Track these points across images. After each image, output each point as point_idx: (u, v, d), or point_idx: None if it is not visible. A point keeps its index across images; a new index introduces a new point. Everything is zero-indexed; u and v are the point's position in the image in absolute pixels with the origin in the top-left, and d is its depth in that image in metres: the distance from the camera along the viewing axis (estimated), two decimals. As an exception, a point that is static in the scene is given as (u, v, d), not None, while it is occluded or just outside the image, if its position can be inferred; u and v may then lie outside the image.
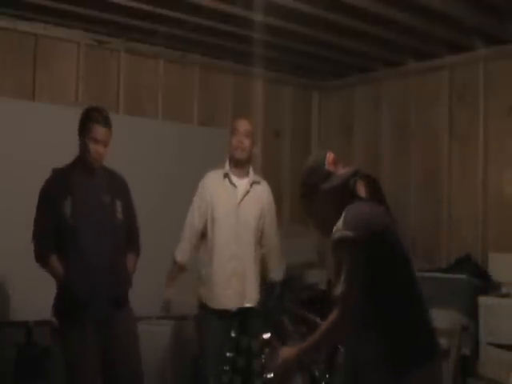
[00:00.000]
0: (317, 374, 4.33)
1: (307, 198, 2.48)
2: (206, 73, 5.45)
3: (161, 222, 4.67)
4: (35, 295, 4.29)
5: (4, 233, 4.22)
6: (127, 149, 4.58)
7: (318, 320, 4.33)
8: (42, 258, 3.36)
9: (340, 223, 2.28)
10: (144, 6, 4.18)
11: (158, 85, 5.17)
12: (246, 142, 3.79)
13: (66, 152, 4.47)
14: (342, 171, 2.51)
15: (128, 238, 3.55)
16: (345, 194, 2.43)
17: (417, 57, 5.30)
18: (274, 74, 5.80)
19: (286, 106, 6.03)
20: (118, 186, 3.55)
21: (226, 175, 3.80)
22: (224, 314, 3.67)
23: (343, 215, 2.31)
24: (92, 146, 3.41)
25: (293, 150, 6.05)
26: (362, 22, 4.39)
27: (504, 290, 4.42)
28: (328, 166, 2.48)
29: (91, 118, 3.42)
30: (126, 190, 3.60)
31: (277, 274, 3.93)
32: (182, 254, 3.82)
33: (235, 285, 3.73)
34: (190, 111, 5.36)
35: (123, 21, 4.49)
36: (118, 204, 3.47)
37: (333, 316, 2.23)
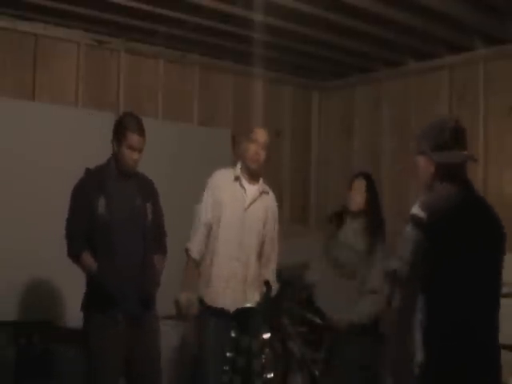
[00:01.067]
0: (317, 373, 4.34)
1: (417, 156, 2.32)
2: (206, 73, 5.45)
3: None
4: (36, 295, 4.31)
5: (4, 232, 4.22)
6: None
7: (317, 320, 4.34)
8: (74, 254, 3.44)
9: (421, 199, 2.20)
10: (144, 6, 4.18)
11: (158, 85, 5.17)
12: (263, 155, 3.79)
13: (65, 152, 4.50)
14: (461, 151, 2.28)
15: (156, 238, 3.63)
16: (450, 174, 2.25)
17: (417, 57, 5.30)
18: (273, 73, 5.80)
19: (286, 106, 6.03)
20: (147, 189, 3.64)
21: (238, 178, 3.81)
22: (223, 313, 3.67)
23: (429, 193, 2.22)
24: (128, 154, 3.46)
25: (293, 150, 6.05)
26: (362, 22, 4.39)
27: (504, 290, 4.41)
28: (448, 137, 2.26)
29: (127, 127, 3.47)
30: (155, 192, 3.69)
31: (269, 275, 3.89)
32: (199, 251, 3.77)
33: (234, 286, 3.72)
34: (190, 111, 5.36)
35: (123, 21, 4.49)
36: (148, 206, 3.56)
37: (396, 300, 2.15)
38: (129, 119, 3.51)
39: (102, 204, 3.42)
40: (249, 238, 3.76)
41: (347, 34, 4.69)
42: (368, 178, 4.07)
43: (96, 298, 3.42)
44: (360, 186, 4.01)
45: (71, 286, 4.47)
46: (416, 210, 2.16)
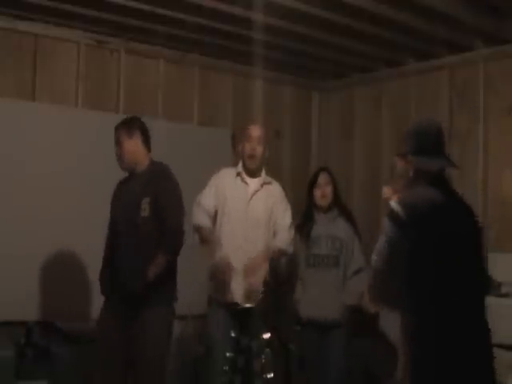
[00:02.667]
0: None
1: (398, 158, 2.36)
2: (206, 73, 5.45)
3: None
4: (36, 295, 4.31)
5: (4, 233, 4.22)
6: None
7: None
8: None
9: (401, 196, 2.23)
10: (144, 6, 4.18)
11: (158, 85, 5.17)
12: (259, 150, 3.84)
13: (65, 152, 4.50)
14: (441, 158, 2.28)
15: (158, 235, 3.46)
16: (429, 178, 2.26)
17: (417, 57, 5.30)
18: (273, 73, 5.79)
19: (286, 106, 6.03)
20: (150, 184, 3.55)
21: (239, 174, 3.85)
22: (231, 307, 3.69)
23: (408, 192, 2.25)
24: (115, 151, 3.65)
25: (293, 150, 6.05)
26: (362, 21, 4.39)
27: (504, 290, 4.42)
28: (428, 143, 2.25)
29: None
30: (160, 185, 3.53)
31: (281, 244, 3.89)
32: (203, 218, 3.76)
33: (241, 279, 3.74)
34: (190, 111, 5.36)
35: (123, 21, 4.49)
36: (145, 201, 3.47)
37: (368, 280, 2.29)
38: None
39: (112, 213, 3.66)
40: (253, 228, 3.78)
41: (347, 34, 4.69)
42: (329, 171, 4.26)
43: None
44: (326, 180, 4.16)
45: (71, 286, 4.48)
46: (395, 206, 2.17)
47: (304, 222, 4.16)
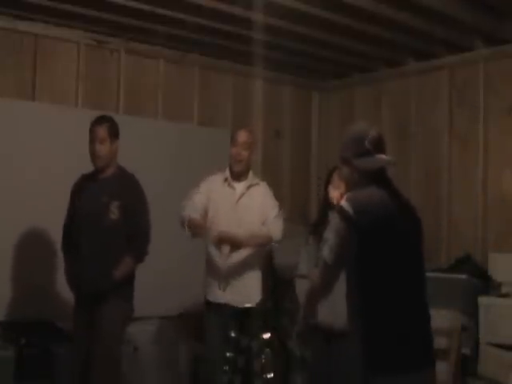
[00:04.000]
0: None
1: (341, 164, 2.53)
2: (206, 73, 5.45)
3: (160, 222, 4.67)
4: (36, 295, 4.30)
5: (4, 232, 4.22)
6: (127, 149, 4.57)
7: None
8: (61, 249, 3.79)
9: (348, 196, 2.38)
10: (144, 6, 4.19)
11: (158, 85, 5.17)
12: (244, 154, 3.85)
13: (65, 152, 4.50)
14: (381, 156, 2.45)
15: (127, 239, 3.58)
16: (372, 177, 2.44)
17: (417, 57, 5.31)
18: (273, 73, 5.79)
19: (286, 106, 6.03)
20: (122, 188, 3.62)
21: (226, 179, 3.87)
22: (224, 309, 3.69)
23: (354, 192, 2.41)
24: (89, 147, 3.60)
25: (293, 150, 6.05)
26: (362, 21, 4.39)
27: (504, 290, 4.42)
28: (368, 145, 2.42)
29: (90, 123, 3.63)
30: (131, 191, 3.63)
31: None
32: (194, 212, 3.74)
33: (232, 281, 3.75)
34: (190, 111, 5.37)
35: (123, 21, 4.49)
36: (115, 204, 3.54)
37: (314, 279, 2.46)
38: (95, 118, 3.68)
39: (74, 204, 3.66)
40: (242, 231, 3.77)
41: (347, 34, 4.70)
42: None
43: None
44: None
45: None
46: (344, 204, 2.35)
47: (318, 221, 4.06)
